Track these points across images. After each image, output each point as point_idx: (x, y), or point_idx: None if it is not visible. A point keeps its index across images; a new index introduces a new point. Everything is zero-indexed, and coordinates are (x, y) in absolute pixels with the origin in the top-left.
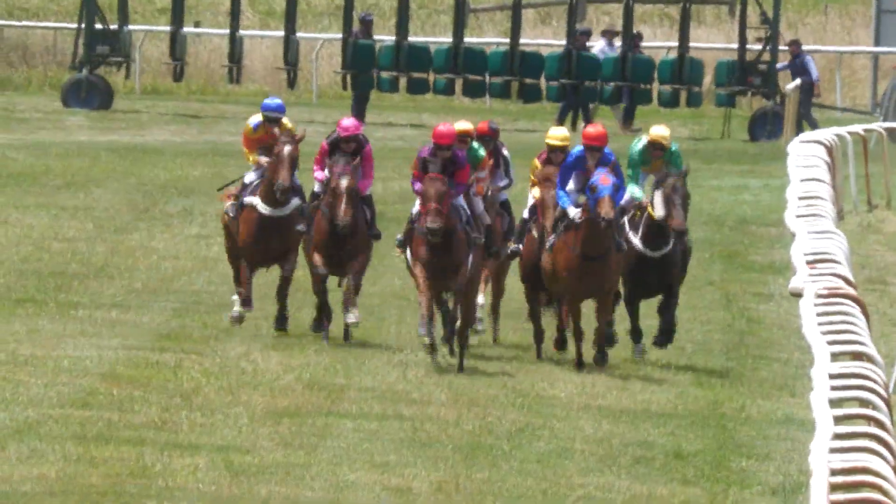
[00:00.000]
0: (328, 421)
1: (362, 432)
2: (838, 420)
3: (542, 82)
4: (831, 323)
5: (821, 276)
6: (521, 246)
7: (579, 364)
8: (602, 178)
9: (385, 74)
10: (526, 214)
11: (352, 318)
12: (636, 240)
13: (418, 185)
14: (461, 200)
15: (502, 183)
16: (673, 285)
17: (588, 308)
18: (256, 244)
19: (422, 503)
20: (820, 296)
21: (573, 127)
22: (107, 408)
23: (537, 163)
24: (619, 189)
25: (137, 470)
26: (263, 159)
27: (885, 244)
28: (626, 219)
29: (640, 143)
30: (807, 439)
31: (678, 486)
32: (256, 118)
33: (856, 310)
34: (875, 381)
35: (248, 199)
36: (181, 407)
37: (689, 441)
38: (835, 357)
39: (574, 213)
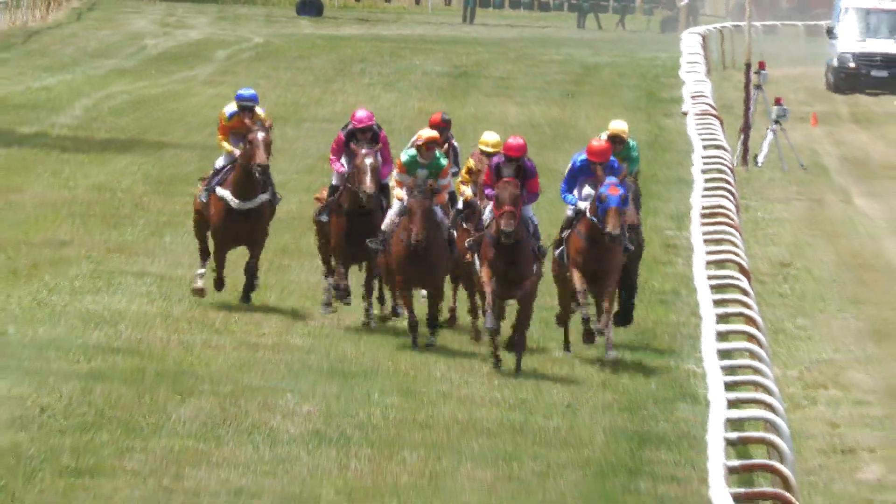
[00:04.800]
0: None
1: None
2: (707, 180)
3: None
4: (704, 129)
5: (698, 103)
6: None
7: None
8: (611, 189)
9: None
10: (460, 205)
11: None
12: None
13: (491, 190)
14: (530, 212)
15: (452, 170)
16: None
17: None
18: (225, 233)
19: None
20: (697, 114)
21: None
22: None
23: (472, 162)
24: (626, 200)
25: None
26: (236, 151)
27: (733, 87)
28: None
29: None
30: (689, 189)
31: None
32: (231, 107)
33: (717, 122)
34: (726, 161)
35: (219, 191)
36: None
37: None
38: (705, 147)
39: (583, 205)
